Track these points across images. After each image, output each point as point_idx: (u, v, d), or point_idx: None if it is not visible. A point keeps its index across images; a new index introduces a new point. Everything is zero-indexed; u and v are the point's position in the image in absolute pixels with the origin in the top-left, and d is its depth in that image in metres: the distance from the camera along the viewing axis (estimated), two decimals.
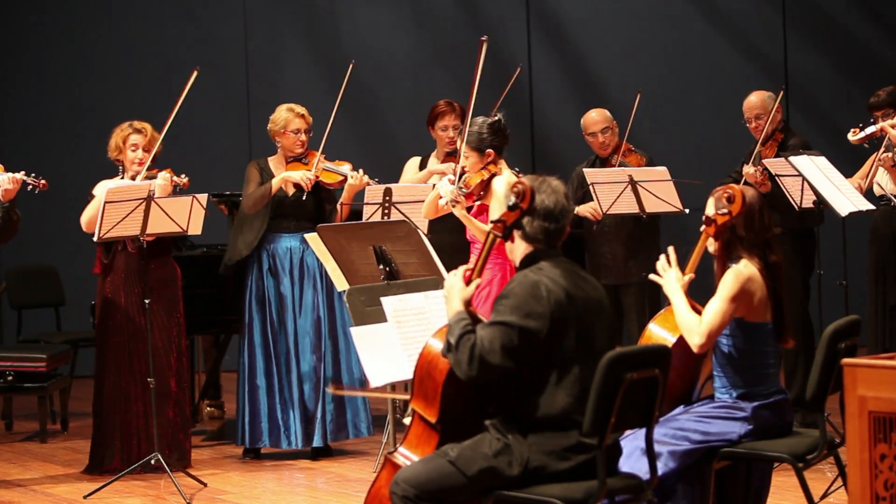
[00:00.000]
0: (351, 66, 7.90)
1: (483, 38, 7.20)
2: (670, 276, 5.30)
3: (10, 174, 7.28)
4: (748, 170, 7.96)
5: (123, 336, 7.67)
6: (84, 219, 7.67)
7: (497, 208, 6.88)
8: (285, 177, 7.94)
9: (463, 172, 7.04)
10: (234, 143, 11.73)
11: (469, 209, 7.02)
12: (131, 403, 7.64)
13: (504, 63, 11.64)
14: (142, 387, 7.58)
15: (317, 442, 7.98)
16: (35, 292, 10.30)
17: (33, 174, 7.33)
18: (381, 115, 11.83)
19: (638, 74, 11.63)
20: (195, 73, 7.52)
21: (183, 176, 7.55)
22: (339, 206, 7.99)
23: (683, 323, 5.19)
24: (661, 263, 5.34)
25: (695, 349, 5.17)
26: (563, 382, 4.61)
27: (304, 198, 7.87)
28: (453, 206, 6.93)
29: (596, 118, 8.48)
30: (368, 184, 7.84)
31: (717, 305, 5.15)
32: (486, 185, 6.99)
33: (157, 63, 11.71)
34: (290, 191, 8.00)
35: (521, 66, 7.98)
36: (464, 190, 6.93)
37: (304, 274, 8.01)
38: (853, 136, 7.71)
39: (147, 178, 7.55)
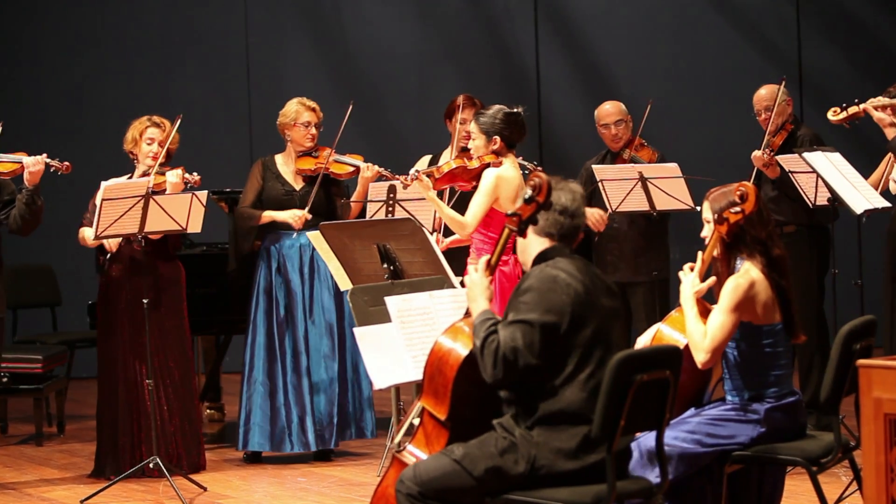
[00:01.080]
0: (351, 105, 7.90)
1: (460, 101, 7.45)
2: (686, 283, 5.28)
3: (33, 157, 7.33)
4: (756, 153, 7.97)
5: (126, 335, 7.66)
6: (81, 237, 7.69)
7: (478, 202, 6.91)
8: (272, 216, 7.98)
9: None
10: (235, 140, 11.73)
11: (455, 195, 7.13)
12: (137, 405, 7.63)
13: (511, 59, 11.65)
14: (146, 388, 7.58)
15: (332, 444, 8.00)
16: (31, 292, 10.29)
17: (57, 158, 7.37)
18: (386, 110, 11.83)
19: (648, 69, 11.63)
20: (179, 120, 7.57)
21: (194, 174, 7.55)
22: (350, 204, 7.98)
23: (691, 337, 5.19)
24: (685, 268, 5.33)
25: (699, 366, 5.17)
26: (578, 377, 4.64)
27: (294, 235, 7.91)
28: (405, 188, 7.05)
29: (610, 110, 8.52)
30: (383, 176, 7.83)
31: (719, 319, 5.14)
32: (476, 173, 7.01)
33: (155, 58, 11.72)
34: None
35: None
36: (415, 171, 6.98)
37: (315, 272, 8.00)
38: (834, 115, 7.69)
39: (159, 174, 7.55)
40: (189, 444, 7.73)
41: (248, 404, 8.03)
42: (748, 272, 5.20)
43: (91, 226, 7.40)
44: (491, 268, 4.83)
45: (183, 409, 7.71)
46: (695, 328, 5.17)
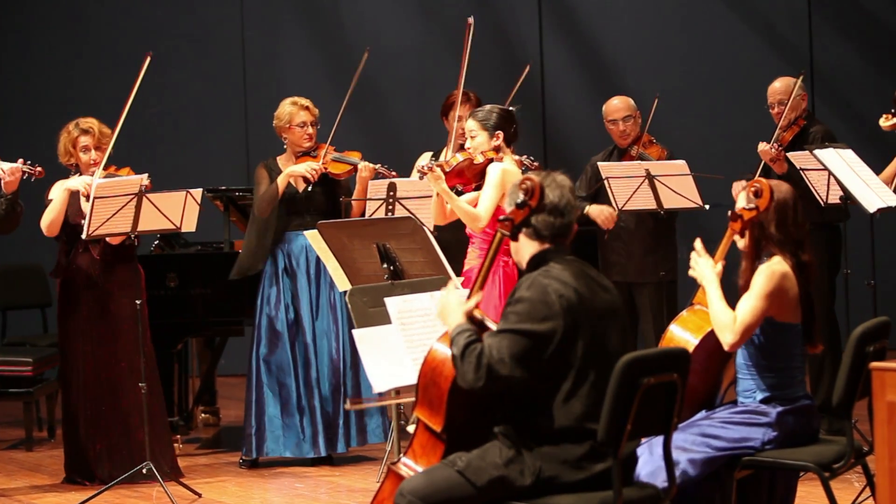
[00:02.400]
0: (366, 53, 7.87)
1: (469, 21, 7.33)
2: (703, 265, 5.26)
3: (9, 165, 7.30)
4: (763, 146, 7.96)
5: (88, 344, 7.65)
6: (44, 223, 7.61)
7: (489, 196, 6.91)
8: (290, 172, 7.95)
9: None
10: (231, 137, 11.73)
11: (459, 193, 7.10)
12: (106, 412, 7.62)
13: (515, 53, 11.64)
14: (111, 396, 7.58)
15: (340, 448, 8.01)
16: (20, 292, 10.29)
17: (28, 161, 7.34)
18: (387, 106, 11.82)
19: (654, 64, 11.61)
20: (148, 60, 7.49)
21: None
22: (352, 203, 7.96)
23: (717, 318, 5.16)
24: (693, 253, 5.31)
25: (726, 347, 5.15)
26: (577, 390, 4.61)
27: (310, 189, 7.86)
28: (420, 178, 7.03)
29: (618, 105, 8.52)
30: (380, 173, 7.82)
31: (752, 303, 5.13)
32: (479, 170, 7.00)
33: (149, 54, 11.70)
34: (301, 186, 8.00)
35: (531, 63, 8.22)
36: (432, 161, 6.96)
37: (321, 273, 7.99)
38: (885, 121, 7.68)
39: (106, 176, 7.52)
40: (164, 450, 7.71)
41: (257, 410, 8.01)
42: (781, 263, 5.18)
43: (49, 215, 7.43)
44: (476, 287, 4.79)
45: (156, 414, 7.68)
46: (721, 309, 5.14)
